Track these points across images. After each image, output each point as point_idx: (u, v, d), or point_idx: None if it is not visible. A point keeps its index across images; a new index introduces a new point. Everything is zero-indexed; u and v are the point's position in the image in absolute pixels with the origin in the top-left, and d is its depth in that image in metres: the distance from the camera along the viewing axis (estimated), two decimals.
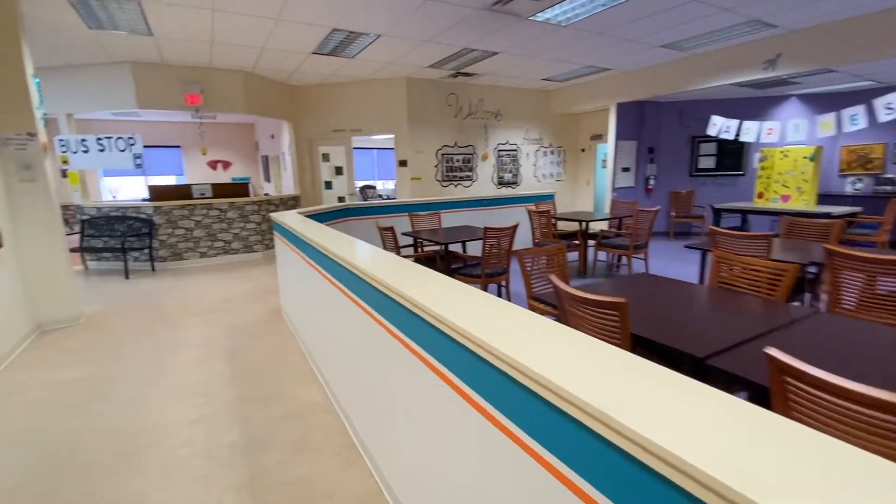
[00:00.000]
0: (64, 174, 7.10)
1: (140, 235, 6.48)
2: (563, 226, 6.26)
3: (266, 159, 11.54)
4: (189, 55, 5.96)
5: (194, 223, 6.78)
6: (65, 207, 10.12)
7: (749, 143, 7.75)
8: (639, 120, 8.27)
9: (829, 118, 5.34)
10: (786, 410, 1.16)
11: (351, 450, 2.24)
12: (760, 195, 6.44)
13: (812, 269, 3.16)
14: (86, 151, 6.19)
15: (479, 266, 4.14)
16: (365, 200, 11.60)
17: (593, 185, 9.43)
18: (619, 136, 7.88)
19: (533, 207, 5.80)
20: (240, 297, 5.04)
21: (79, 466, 2.15)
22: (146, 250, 6.53)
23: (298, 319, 3.73)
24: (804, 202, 5.96)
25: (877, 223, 6.11)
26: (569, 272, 4.63)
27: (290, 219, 3.88)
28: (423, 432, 1.51)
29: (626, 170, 8.23)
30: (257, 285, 5.52)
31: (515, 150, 8.78)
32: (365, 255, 2.19)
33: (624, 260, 5.83)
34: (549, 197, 7.17)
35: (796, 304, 3.01)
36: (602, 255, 6.55)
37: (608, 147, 7.97)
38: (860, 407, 0.95)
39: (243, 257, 7.17)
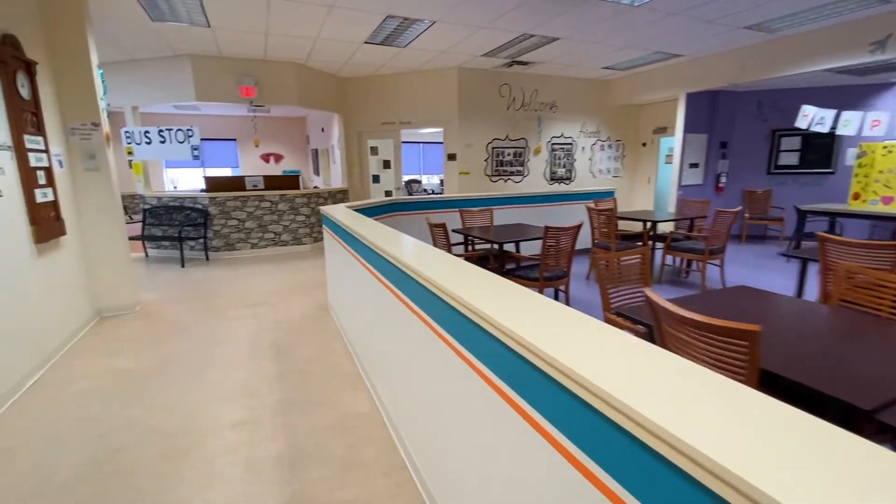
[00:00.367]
0: (130, 165, 7.41)
1: (196, 225, 6.64)
2: (623, 226, 5.79)
3: (316, 152, 11.67)
4: (244, 47, 5.98)
5: (246, 214, 6.87)
6: (129, 196, 10.74)
7: (842, 138, 6.87)
8: (710, 111, 7.55)
9: None
10: None
11: (401, 472, 2.02)
12: (856, 196, 5.65)
13: None
14: (148, 143, 6.39)
15: (536, 268, 3.82)
16: (409, 195, 11.49)
17: (654, 183, 8.78)
18: (687, 129, 7.23)
19: (592, 205, 5.38)
20: (287, 290, 5.00)
21: (124, 468, 2.07)
22: (201, 240, 6.68)
23: (345, 317, 3.58)
24: None
25: None
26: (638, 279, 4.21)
27: (339, 213, 3.74)
28: (485, 461, 1.28)
29: (694, 166, 7.56)
30: (305, 279, 5.47)
31: (570, 144, 8.31)
32: (417, 254, 1.99)
33: (695, 266, 5.29)
34: (610, 194, 6.68)
35: None
36: (668, 260, 6.01)
37: (675, 141, 7.34)
38: None
39: (292, 249, 7.20)
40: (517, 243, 4.34)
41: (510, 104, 7.60)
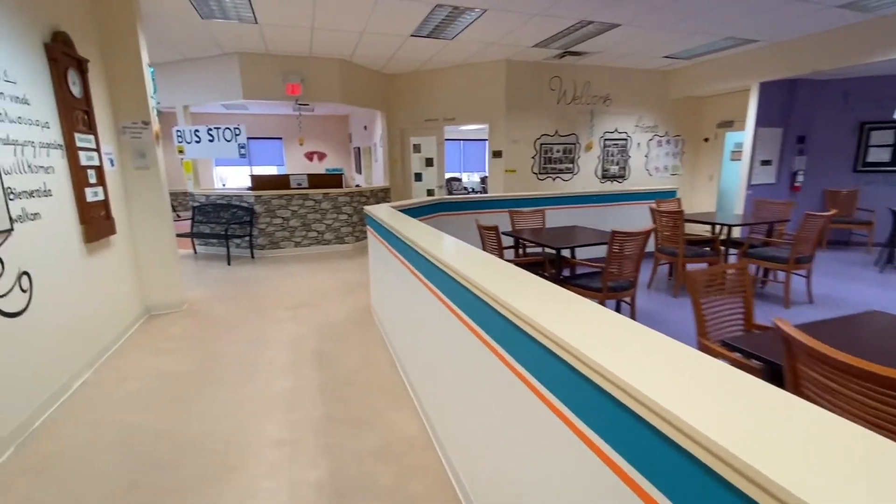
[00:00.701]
0: (182, 163, 7.60)
1: (242, 223, 6.68)
2: (687, 229, 5.27)
3: (358, 151, 11.66)
4: (290, 44, 5.92)
5: (290, 213, 6.85)
6: (181, 194, 11.11)
7: None
8: (787, 103, 6.82)
9: None
10: None
11: None
12: None
13: None
14: (198, 141, 6.48)
15: (597, 276, 3.47)
16: (449, 193, 11.25)
17: (717, 181, 8.09)
18: (759, 123, 6.56)
19: (654, 206, 4.92)
20: (330, 290, 4.87)
21: (163, 488, 1.94)
22: (247, 238, 6.72)
23: (389, 324, 3.37)
24: None
25: None
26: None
27: (383, 213, 3.54)
28: None
29: (766, 163, 6.85)
30: (347, 280, 5.34)
31: (625, 140, 7.78)
32: (469, 260, 1.77)
33: (773, 276, 4.72)
34: (671, 194, 6.15)
35: None
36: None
37: (745, 135, 6.69)
38: None
39: (334, 248, 7.14)
40: (572, 249, 3.99)
41: (560, 98, 7.19)
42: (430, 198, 5.30)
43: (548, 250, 4.00)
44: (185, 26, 5.11)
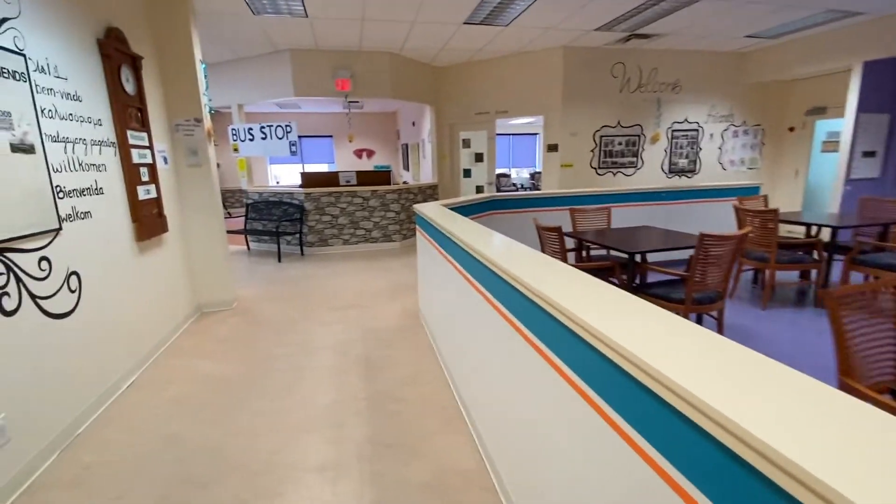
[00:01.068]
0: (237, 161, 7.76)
1: (292, 220, 6.69)
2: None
3: (406, 147, 11.55)
4: (340, 38, 5.80)
5: (339, 210, 6.78)
6: (236, 192, 11.47)
7: None
8: None
9: None
10: None
11: None
12: None
13: None
14: (251, 139, 6.56)
15: (677, 286, 3.03)
16: (498, 190, 10.85)
17: (804, 176, 7.19)
18: (861, 109, 5.69)
19: (737, 203, 4.33)
20: (377, 291, 4.70)
21: None
22: (297, 235, 6.73)
23: (439, 332, 3.11)
24: None
25: None
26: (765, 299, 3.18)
27: (433, 211, 3.28)
28: None
29: (868, 154, 5.95)
30: (395, 280, 5.15)
31: (696, 130, 7.07)
32: (531, 265, 1.55)
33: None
34: (755, 190, 5.47)
35: None
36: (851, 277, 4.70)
37: (843, 123, 5.84)
38: None
39: (381, 246, 7.01)
40: (643, 255, 3.53)
41: (624, 86, 6.62)
42: (482, 195, 4.99)
43: (617, 253, 3.58)
44: (237, 22, 5.10)
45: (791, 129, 7.30)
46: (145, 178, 3.24)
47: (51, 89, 2.31)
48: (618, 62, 6.52)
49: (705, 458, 0.70)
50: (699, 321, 3.16)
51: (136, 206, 3.06)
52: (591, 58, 6.41)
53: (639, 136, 6.86)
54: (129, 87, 3.08)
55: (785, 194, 7.42)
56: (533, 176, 12.94)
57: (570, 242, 3.94)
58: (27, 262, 2.06)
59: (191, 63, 3.80)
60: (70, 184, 2.42)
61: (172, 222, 3.69)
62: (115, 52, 2.87)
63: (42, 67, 2.25)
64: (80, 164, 2.52)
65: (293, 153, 6.40)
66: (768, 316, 3.78)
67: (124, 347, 2.86)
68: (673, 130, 6.98)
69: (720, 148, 7.25)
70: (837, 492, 0.49)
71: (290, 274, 5.64)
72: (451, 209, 3.70)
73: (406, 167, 11.78)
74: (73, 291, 2.38)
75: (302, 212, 6.70)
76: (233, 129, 6.64)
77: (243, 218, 7.20)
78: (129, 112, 3.06)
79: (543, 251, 3.42)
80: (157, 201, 3.42)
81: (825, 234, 4.09)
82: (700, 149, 7.16)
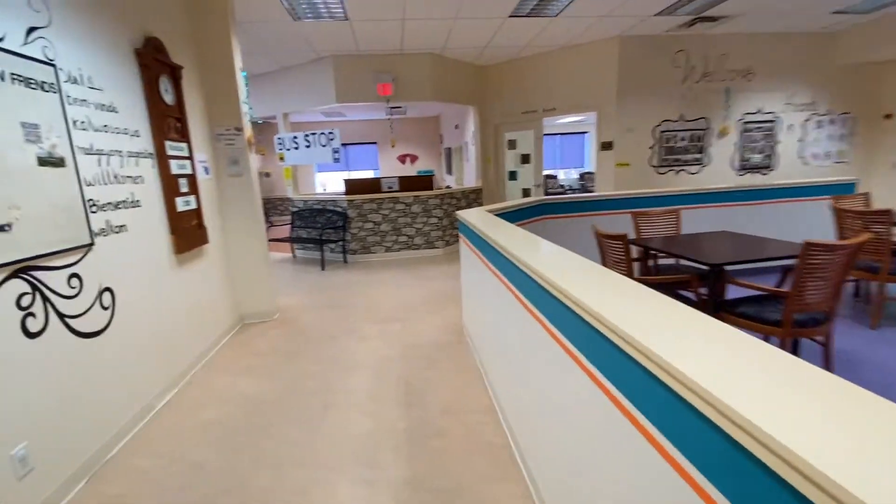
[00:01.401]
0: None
1: (336, 228, 6.63)
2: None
3: (449, 151, 11.36)
4: (381, 41, 5.66)
5: (381, 217, 6.65)
6: (284, 199, 11.73)
7: None
8: None
9: None
10: None
11: None
12: None
13: None
14: (296, 148, 6.57)
15: (771, 304, 2.54)
16: (545, 193, 10.36)
17: None
18: None
19: (834, 203, 3.71)
20: (420, 302, 4.47)
21: None
22: (340, 242, 6.66)
23: (486, 354, 2.81)
24: None
25: None
26: None
27: (475, 218, 2.99)
28: None
29: None
30: (437, 290, 4.90)
31: (772, 122, 6.32)
32: (593, 284, 1.24)
33: None
34: (849, 187, 4.74)
35: None
36: None
37: None
38: None
39: (424, 253, 6.79)
40: (722, 267, 3.04)
41: (687, 76, 6.03)
42: (531, 199, 4.63)
43: (688, 262, 3.12)
44: (278, 29, 5.08)
45: (887, 117, 6.36)
46: (184, 189, 3.18)
47: (84, 100, 2.25)
48: (680, 50, 5.95)
49: None
50: (794, 347, 2.66)
51: (174, 217, 2.99)
52: (649, 46, 5.88)
53: (705, 129, 6.22)
54: (168, 98, 3.03)
55: (882, 190, 6.47)
56: (583, 176, 12.31)
57: (633, 251, 3.50)
58: (55, 279, 1.98)
59: (231, 72, 3.75)
60: (104, 197, 2.35)
61: (213, 233, 3.64)
62: (153, 62, 2.82)
63: (74, 78, 2.19)
64: (115, 177, 2.45)
65: (336, 160, 6.33)
66: (880, 337, 3.16)
67: (160, 365, 2.78)
68: (745, 122, 6.27)
69: (800, 140, 6.44)
70: None
71: (332, 282, 5.54)
72: (497, 215, 3.39)
73: (449, 171, 11.57)
74: (105, 308, 2.30)
75: (345, 219, 6.62)
76: (278, 139, 6.69)
77: (288, 226, 7.24)
78: (167, 122, 3.01)
79: (604, 263, 3.03)
80: (198, 212, 3.36)
81: None
82: (778, 141, 6.39)
